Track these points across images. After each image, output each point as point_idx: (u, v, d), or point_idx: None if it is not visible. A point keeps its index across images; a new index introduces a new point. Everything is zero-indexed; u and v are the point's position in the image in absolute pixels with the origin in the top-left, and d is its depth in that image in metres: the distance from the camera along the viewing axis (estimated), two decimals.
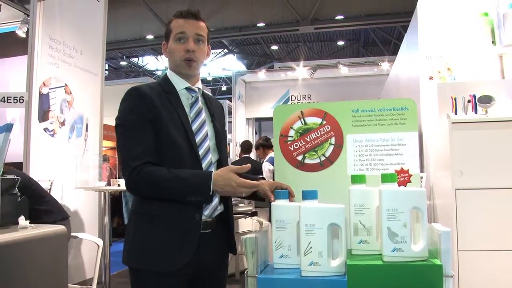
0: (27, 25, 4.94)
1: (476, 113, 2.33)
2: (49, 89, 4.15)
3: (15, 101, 3.68)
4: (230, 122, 9.26)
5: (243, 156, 6.16)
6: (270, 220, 1.33)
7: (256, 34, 11.65)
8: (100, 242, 3.27)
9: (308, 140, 1.53)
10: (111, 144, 8.37)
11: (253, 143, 6.92)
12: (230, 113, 9.53)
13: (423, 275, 1.08)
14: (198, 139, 1.50)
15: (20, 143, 3.88)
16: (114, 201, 6.17)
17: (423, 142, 2.82)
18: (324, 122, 1.53)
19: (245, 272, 1.20)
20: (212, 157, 1.53)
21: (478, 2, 2.81)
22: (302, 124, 1.54)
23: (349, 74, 8.93)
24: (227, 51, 14.31)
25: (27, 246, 1.75)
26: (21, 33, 5.10)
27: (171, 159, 1.44)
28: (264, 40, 13.46)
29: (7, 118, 5.30)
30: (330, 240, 1.16)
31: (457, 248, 2.15)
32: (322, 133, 1.53)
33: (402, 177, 1.45)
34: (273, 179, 1.54)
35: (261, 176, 5.36)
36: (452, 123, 2.22)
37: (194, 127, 1.51)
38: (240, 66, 15.81)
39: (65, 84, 4.38)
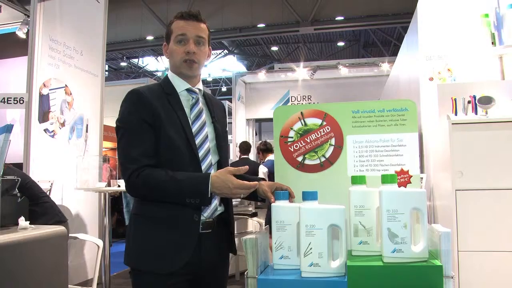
0: (27, 26, 4.95)
1: (476, 114, 2.33)
2: (49, 90, 4.15)
3: (15, 102, 3.68)
4: (230, 123, 9.25)
5: (242, 157, 6.17)
6: (267, 222, 1.33)
7: (256, 35, 11.65)
8: (100, 243, 3.27)
9: (308, 141, 1.53)
10: (111, 145, 8.37)
11: (253, 144, 6.94)
12: (230, 114, 9.52)
13: (423, 276, 1.08)
14: (198, 140, 1.51)
15: (20, 144, 3.88)
16: (114, 201, 6.17)
17: (423, 143, 2.82)
18: (324, 123, 1.53)
19: (245, 273, 1.20)
20: (212, 158, 1.54)
21: (478, 3, 2.81)
22: (302, 125, 1.54)
23: (349, 75, 8.93)
24: (227, 52, 14.31)
25: (27, 247, 1.75)
26: (21, 34, 5.11)
27: (170, 161, 1.45)
28: (264, 41, 13.47)
29: (7, 119, 5.30)
30: (330, 241, 1.16)
31: (457, 249, 2.15)
32: (322, 134, 1.53)
33: (402, 178, 1.45)
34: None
35: (261, 177, 5.37)
36: (452, 124, 2.22)
37: (194, 128, 1.52)
38: (240, 67, 15.82)
39: (65, 85, 4.38)
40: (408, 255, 1.11)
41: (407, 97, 3.28)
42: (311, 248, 1.15)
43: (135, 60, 15.54)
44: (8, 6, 5.19)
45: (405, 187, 1.43)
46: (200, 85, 1.62)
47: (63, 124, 4.33)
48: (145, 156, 1.43)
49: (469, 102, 2.35)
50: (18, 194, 2.01)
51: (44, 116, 4.08)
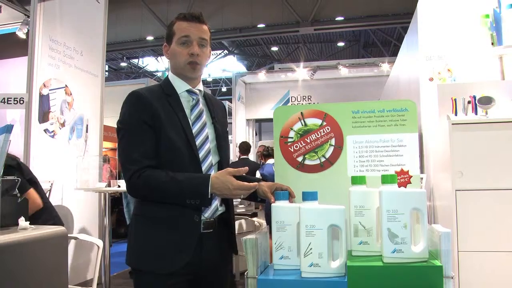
0: (27, 26, 4.95)
1: (476, 114, 2.33)
2: (49, 90, 4.15)
3: (15, 102, 3.68)
4: (230, 123, 9.26)
5: (242, 157, 6.18)
6: (268, 221, 1.34)
7: (256, 35, 11.65)
8: (100, 243, 3.27)
9: (308, 141, 1.53)
10: (111, 145, 8.37)
11: (253, 145, 6.96)
12: (230, 114, 9.52)
13: (423, 276, 1.08)
14: (198, 141, 1.51)
15: (20, 144, 3.88)
16: (114, 202, 6.18)
17: (423, 143, 2.82)
18: (324, 123, 1.53)
19: (245, 273, 1.20)
20: (212, 159, 1.54)
21: (478, 3, 2.81)
22: (302, 125, 1.54)
23: (349, 75, 8.93)
24: (227, 52, 14.31)
25: (27, 247, 1.74)
26: (21, 34, 5.11)
27: (171, 162, 1.45)
28: (264, 41, 13.47)
29: (7, 119, 5.30)
30: (330, 241, 1.16)
31: (457, 249, 2.15)
32: (322, 134, 1.53)
33: (402, 178, 1.46)
34: None
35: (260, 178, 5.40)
36: (452, 124, 2.22)
37: (195, 129, 1.52)
38: (240, 67, 15.82)
39: (65, 85, 4.38)
40: (408, 255, 1.11)
41: (407, 97, 3.28)
42: (311, 249, 1.15)
43: (135, 61, 15.55)
44: (8, 6, 5.19)
45: (405, 187, 1.43)
46: (200, 86, 1.62)
47: (63, 124, 4.33)
48: (146, 157, 1.44)
49: (469, 102, 2.35)
50: (18, 195, 2.01)
51: (44, 116, 4.08)
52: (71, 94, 4.45)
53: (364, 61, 9.70)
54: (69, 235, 2.66)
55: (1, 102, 3.62)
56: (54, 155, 4.13)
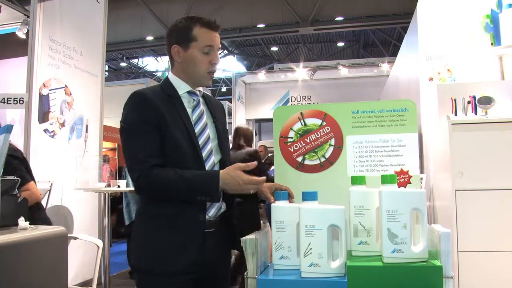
0: (27, 26, 4.95)
1: (476, 114, 2.33)
2: (49, 90, 4.15)
3: (15, 102, 3.67)
4: (230, 123, 9.26)
5: None
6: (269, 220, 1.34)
7: (256, 35, 11.65)
8: (100, 243, 3.27)
9: (308, 141, 1.53)
10: (111, 145, 8.36)
11: (252, 145, 6.97)
12: (230, 114, 9.52)
13: (423, 276, 1.08)
14: (201, 141, 1.52)
15: (20, 144, 3.87)
16: (113, 202, 6.17)
17: (423, 143, 2.82)
18: (324, 123, 1.53)
19: (245, 273, 1.20)
20: (214, 158, 1.56)
21: (478, 3, 2.81)
22: (302, 125, 1.55)
23: (349, 75, 8.93)
24: (227, 52, 14.31)
25: (27, 247, 1.74)
26: (21, 34, 5.11)
27: (175, 162, 1.46)
28: (264, 41, 13.47)
29: (7, 119, 5.30)
30: (330, 241, 1.16)
31: (457, 249, 2.15)
32: (322, 134, 1.53)
33: (402, 178, 1.46)
34: None
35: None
36: (452, 124, 2.22)
37: (197, 129, 1.53)
38: (240, 67, 15.81)
39: (65, 85, 4.38)
40: (408, 255, 1.11)
41: (407, 97, 3.28)
42: (311, 249, 1.15)
43: (135, 61, 15.55)
44: (8, 7, 5.19)
45: (405, 187, 1.43)
46: (200, 87, 1.63)
47: (63, 125, 4.33)
48: (152, 156, 1.44)
49: (469, 102, 2.35)
50: (18, 195, 2.01)
51: (44, 116, 4.08)
52: (71, 94, 4.45)
53: (364, 61, 9.70)
54: (69, 235, 2.66)
55: (1, 102, 3.62)
56: (54, 155, 4.13)
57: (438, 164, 2.52)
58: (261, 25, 10.99)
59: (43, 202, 3.74)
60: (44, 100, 4.08)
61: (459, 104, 2.36)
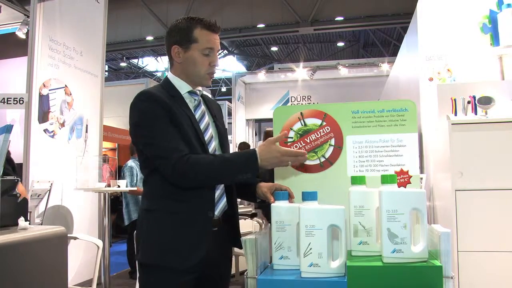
0: (27, 26, 4.95)
1: (476, 114, 2.33)
2: (49, 90, 4.15)
3: (15, 102, 3.67)
4: (230, 123, 9.26)
5: None
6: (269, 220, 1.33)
7: (256, 35, 11.64)
8: (99, 243, 3.27)
9: (308, 141, 1.53)
10: (111, 145, 8.36)
11: (252, 145, 6.96)
12: (230, 114, 9.52)
13: (423, 276, 1.08)
14: (206, 139, 1.54)
15: (20, 144, 3.88)
16: (113, 202, 6.17)
17: (423, 143, 2.82)
18: (324, 123, 1.53)
19: (245, 273, 1.20)
20: None
21: (478, 3, 2.81)
22: (302, 125, 1.55)
23: (349, 75, 8.93)
24: (227, 52, 14.30)
25: (27, 247, 1.75)
26: (21, 34, 5.11)
27: None
28: (264, 41, 13.46)
29: (7, 119, 5.30)
30: (330, 241, 1.16)
31: (457, 249, 2.15)
32: (322, 134, 1.53)
33: (402, 178, 1.46)
34: None
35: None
36: (452, 124, 2.22)
37: (201, 128, 1.54)
38: (240, 67, 15.81)
39: (65, 85, 4.38)
40: (408, 255, 1.11)
41: (407, 97, 3.28)
42: (310, 249, 1.15)
43: (135, 61, 15.54)
44: (8, 7, 5.18)
45: (405, 187, 1.43)
46: (199, 87, 1.63)
47: (62, 125, 4.33)
48: (183, 145, 1.45)
49: (468, 102, 2.35)
50: (18, 195, 2.01)
51: (44, 116, 4.08)
52: (70, 94, 4.45)
53: (364, 61, 9.69)
54: (68, 235, 2.67)
55: (1, 102, 3.61)
56: (53, 155, 4.13)
57: (438, 164, 2.52)
58: (261, 25, 10.98)
59: (43, 202, 3.75)
60: (44, 100, 4.08)
61: (459, 104, 2.36)
